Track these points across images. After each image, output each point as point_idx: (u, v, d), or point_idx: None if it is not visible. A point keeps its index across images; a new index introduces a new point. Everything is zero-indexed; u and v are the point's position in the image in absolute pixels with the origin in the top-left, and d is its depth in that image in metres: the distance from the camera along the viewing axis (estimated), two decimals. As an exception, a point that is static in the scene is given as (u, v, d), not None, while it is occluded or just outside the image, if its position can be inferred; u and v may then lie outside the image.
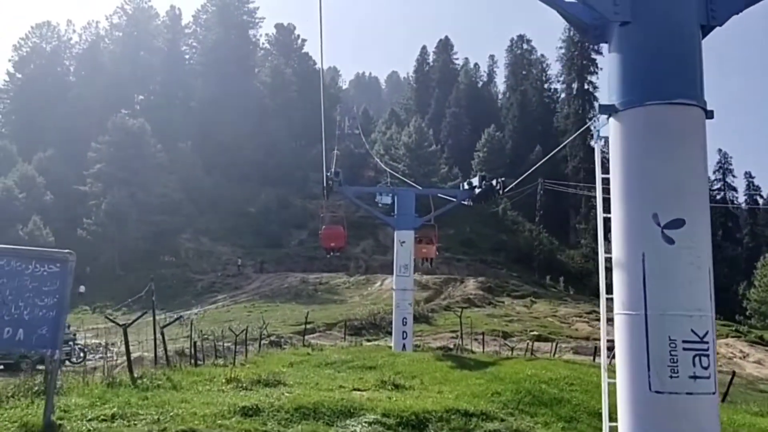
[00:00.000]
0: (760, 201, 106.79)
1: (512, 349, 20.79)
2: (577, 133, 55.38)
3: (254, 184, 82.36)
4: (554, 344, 20.74)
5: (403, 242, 17.50)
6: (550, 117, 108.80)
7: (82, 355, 22.89)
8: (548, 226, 79.53)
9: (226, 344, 24.62)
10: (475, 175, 18.59)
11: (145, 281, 57.06)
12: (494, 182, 17.21)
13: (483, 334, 26.77)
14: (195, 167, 78.55)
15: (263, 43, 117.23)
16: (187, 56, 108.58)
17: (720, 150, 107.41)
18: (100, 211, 61.67)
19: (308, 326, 31.54)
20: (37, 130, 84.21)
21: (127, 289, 57.50)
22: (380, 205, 25.84)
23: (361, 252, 70.63)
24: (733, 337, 33.61)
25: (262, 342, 25.67)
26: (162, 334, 13.45)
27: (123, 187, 62.96)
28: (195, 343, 16.28)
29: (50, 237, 58.22)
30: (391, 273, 57.62)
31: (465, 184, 18.72)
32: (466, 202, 19.22)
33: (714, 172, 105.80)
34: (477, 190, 17.92)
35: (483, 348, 25.24)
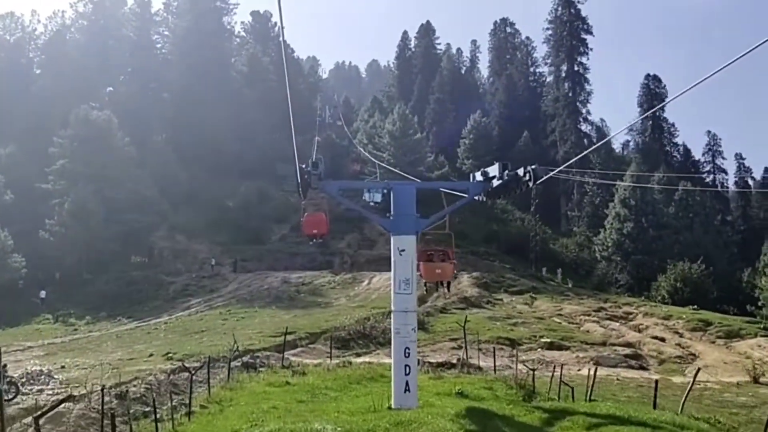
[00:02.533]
0: (752, 183, 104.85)
1: (533, 370, 17.27)
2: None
3: (232, 177, 78.29)
4: (589, 364, 17.09)
5: (403, 250, 13.65)
6: (537, 101, 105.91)
7: (13, 390, 18.94)
8: (539, 215, 76.42)
9: (193, 366, 20.89)
10: (491, 164, 14.66)
11: (116, 285, 53.11)
12: (521, 172, 13.42)
13: (493, 347, 23.30)
14: (169, 161, 74.20)
15: (239, 31, 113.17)
16: (158, 45, 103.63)
17: (709, 132, 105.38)
18: (63, 210, 57.21)
19: (290, 337, 27.85)
20: (-1, 125, 79.27)
21: (96, 295, 53.64)
22: (371, 203, 22.26)
23: (346, 246, 67.15)
24: (763, 336, 30.38)
25: (235, 364, 21.87)
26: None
27: (88, 183, 58.45)
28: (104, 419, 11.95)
29: (9, 240, 53.74)
30: (379, 270, 54.53)
31: (478, 174, 14.89)
32: (478, 198, 15.51)
33: (703, 155, 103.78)
34: (495, 182, 14.13)
35: (494, 363, 21.79)
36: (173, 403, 15.05)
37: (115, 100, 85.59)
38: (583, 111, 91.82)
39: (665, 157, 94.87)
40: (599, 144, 61.67)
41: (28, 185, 63.38)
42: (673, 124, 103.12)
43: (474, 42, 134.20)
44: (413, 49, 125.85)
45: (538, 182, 13.19)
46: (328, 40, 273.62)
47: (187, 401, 15.32)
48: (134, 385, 17.42)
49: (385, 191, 14.80)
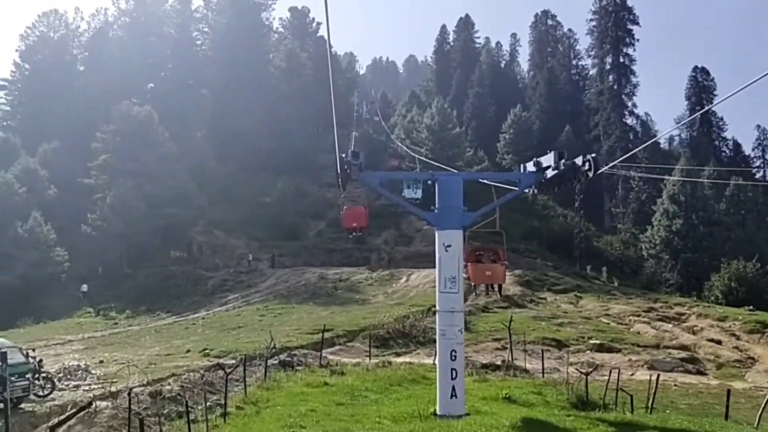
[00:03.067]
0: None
1: (586, 374, 16.14)
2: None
3: (269, 173, 78.43)
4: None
5: (449, 246, 12.70)
6: (580, 95, 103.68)
7: (49, 386, 18.66)
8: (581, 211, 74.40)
9: (229, 364, 20.33)
10: (532, 158, 13.53)
11: (155, 279, 53.51)
12: (579, 161, 12.31)
13: (542, 349, 22.30)
14: (207, 156, 74.62)
15: (277, 27, 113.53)
16: (198, 42, 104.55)
17: (758, 126, 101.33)
18: (105, 205, 57.83)
19: (327, 334, 27.20)
20: (43, 121, 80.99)
21: (136, 289, 54.05)
22: (416, 199, 21.31)
23: (382, 243, 66.41)
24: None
25: (272, 362, 21.25)
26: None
27: (129, 178, 58.98)
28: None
29: (52, 234, 54.68)
30: (416, 266, 53.53)
31: (530, 164, 13.83)
32: (528, 191, 14.42)
33: (753, 149, 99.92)
34: (549, 173, 13.06)
35: (542, 366, 20.69)
36: (208, 404, 14.47)
37: (156, 97, 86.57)
38: (629, 104, 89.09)
39: (714, 152, 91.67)
40: (659, 136, 59.49)
41: (71, 180, 64.44)
42: (721, 118, 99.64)
43: (514, 35, 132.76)
44: (452, 43, 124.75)
45: (598, 172, 12.08)
46: (365, 36, 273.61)
47: (223, 401, 14.69)
48: (169, 384, 16.90)
49: (429, 182, 13.84)
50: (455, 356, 12.33)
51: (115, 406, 13.35)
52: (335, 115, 12.81)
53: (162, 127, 66.37)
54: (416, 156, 61.21)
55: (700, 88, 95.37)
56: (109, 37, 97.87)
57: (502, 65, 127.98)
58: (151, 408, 13.51)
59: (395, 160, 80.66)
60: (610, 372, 16.16)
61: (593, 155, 11.92)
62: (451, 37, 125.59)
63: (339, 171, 12.64)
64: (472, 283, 18.62)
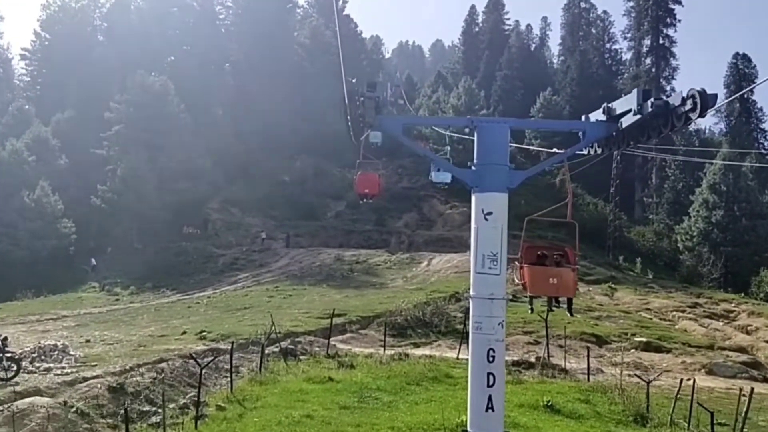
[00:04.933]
0: None
1: (647, 382, 13.24)
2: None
3: (289, 151, 75.91)
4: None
5: (489, 213, 9.65)
6: (613, 79, 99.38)
7: (14, 368, 16.20)
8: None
9: (220, 349, 17.74)
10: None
11: (164, 255, 51.10)
12: (676, 100, 8.94)
13: (587, 347, 19.42)
14: (226, 133, 72.29)
15: (302, 4, 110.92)
16: (221, 16, 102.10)
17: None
18: (116, 177, 55.73)
19: (339, 320, 24.63)
20: (62, 92, 79.27)
21: (145, 265, 51.94)
22: (445, 184, 18.42)
23: (403, 226, 63.82)
24: None
25: (272, 350, 18.63)
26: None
27: (142, 150, 56.79)
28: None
29: (59, 204, 52.67)
30: (438, 250, 50.67)
31: (597, 113, 10.63)
32: (592, 149, 11.19)
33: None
34: (628, 120, 9.78)
35: (588, 367, 17.80)
36: (184, 401, 11.81)
37: (176, 70, 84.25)
38: (667, 88, 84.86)
39: (753, 142, 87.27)
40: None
41: (84, 151, 62.53)
42: (761, 109, 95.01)
43: (544, 19, 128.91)
44: (481, 25, 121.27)
45: (706, 114, 8.90)
46: (392, 19, 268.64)
47: (203, 398, 12.01)
48: (141, 374, 14.26)
49: (467, 130, 10.73)
50: (493, 357, 9.34)
51: (60, 402, 10.79)
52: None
53: (178, 98, 64.11)
54: (446, 133, 58.12)
55: (741, 75, 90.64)
56: (130, 8, 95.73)
57: (532, 49, 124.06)
58: (107, 406, 10.92)
59: (421, 142, 77.78)
60: (681, 381, 13.23)
61: (699, 89, 8.68)
62: (480, 19, 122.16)
63: (347, 106, 9.55)
64: (528, 294, 14.37)
